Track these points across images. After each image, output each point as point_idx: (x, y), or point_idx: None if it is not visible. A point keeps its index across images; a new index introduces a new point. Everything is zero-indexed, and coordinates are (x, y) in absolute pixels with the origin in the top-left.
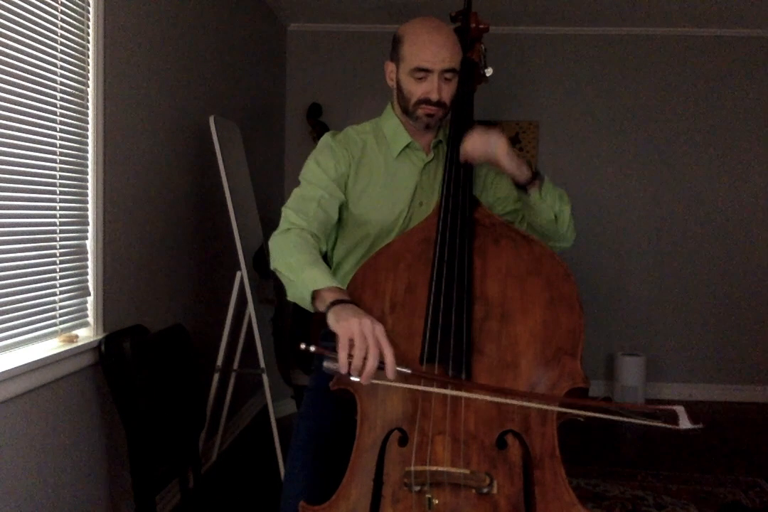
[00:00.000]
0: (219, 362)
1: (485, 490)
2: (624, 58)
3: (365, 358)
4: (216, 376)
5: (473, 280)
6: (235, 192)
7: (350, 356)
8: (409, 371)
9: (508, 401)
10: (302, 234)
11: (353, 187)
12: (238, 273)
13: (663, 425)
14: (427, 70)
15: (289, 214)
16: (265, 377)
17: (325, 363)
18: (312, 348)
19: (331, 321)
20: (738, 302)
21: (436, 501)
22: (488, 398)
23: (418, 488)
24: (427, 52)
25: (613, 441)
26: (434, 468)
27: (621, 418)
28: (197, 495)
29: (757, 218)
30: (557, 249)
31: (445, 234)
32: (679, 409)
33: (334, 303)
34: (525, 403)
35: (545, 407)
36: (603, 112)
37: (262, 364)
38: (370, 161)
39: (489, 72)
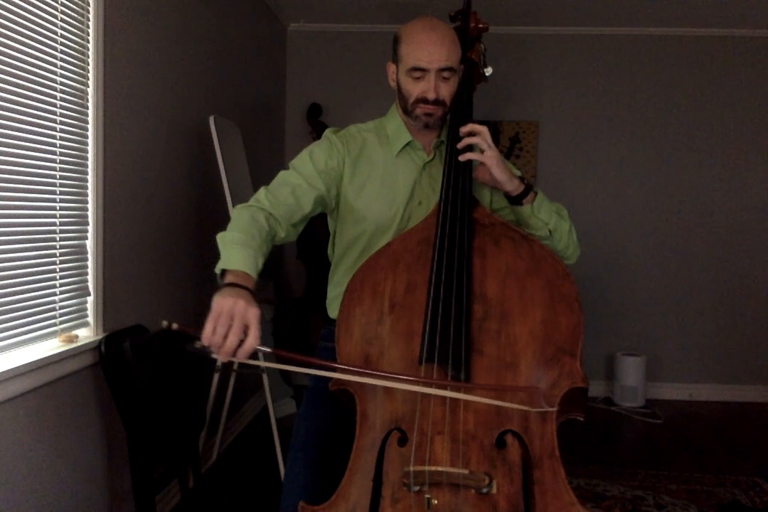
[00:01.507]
0: (219, 362)
1: (484, 490)
2: (624, 58)
3: (226, 336)
4: (216, 376)
5: (472, 280)
6: (235, 192)
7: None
8: (268, 350)
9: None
10: (257, 213)
11: (350, 183)
12: None
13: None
14: (423, 69)
15: (260, 192)
16: (265, 377)
17: (188, 345)
18: (174, 326)
19: (214, 297)
20: (738, 302)
21: (436, 501)
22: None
23: (417, 488)
24: (423, 51)
25: (613, 441)
26: (433, 468)
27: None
28: (197, 495)
29: (758, 218)
30: None
31: (445, 233)
32: None
33: (227, 285)
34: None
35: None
36: (603, 112)
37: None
38: (369, 158)
39: (489, 71)
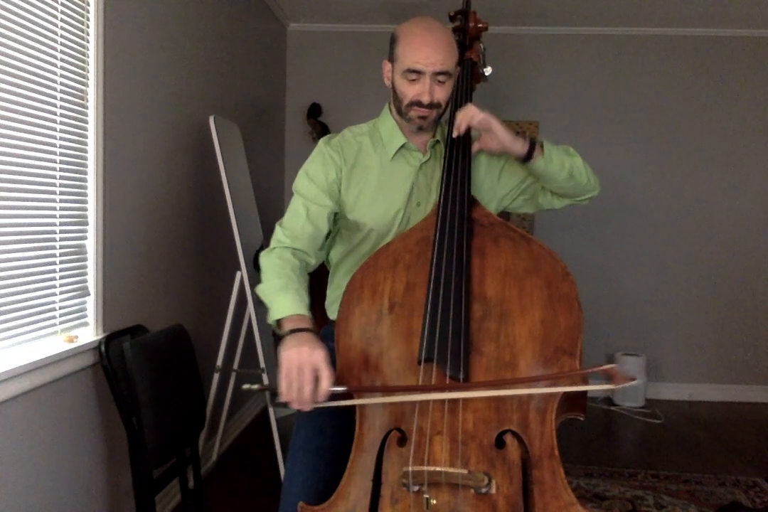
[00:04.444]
0: (219, 362)
1: (483, 490)
2: (624, 58)
3: (300, 388)
4: (216, 376)
5: (472, 280)
6: (235, 192)
7: None
8: (344, 389)
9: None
10: (283, 254)
11: (347, 191)
12: (238, 273)
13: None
14: (419, 72)
15: (277, 231)
16: (265, 377)
17: (272, 401)
18: (255, 387)
19: (279, 352)
20: (738, 302)
21: (434, 501)
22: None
23: (416, 488)
24: (420, 54)
25: (613, 441)
26: (432, 468)
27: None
28: (197, 495)
29: (758, 218)
30: (588, 200)
31: (444, 233)
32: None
33: (288, 333)
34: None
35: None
36: (603, 112)
37: (262, 364)
38: (365, 163)
39: (488, 71)
